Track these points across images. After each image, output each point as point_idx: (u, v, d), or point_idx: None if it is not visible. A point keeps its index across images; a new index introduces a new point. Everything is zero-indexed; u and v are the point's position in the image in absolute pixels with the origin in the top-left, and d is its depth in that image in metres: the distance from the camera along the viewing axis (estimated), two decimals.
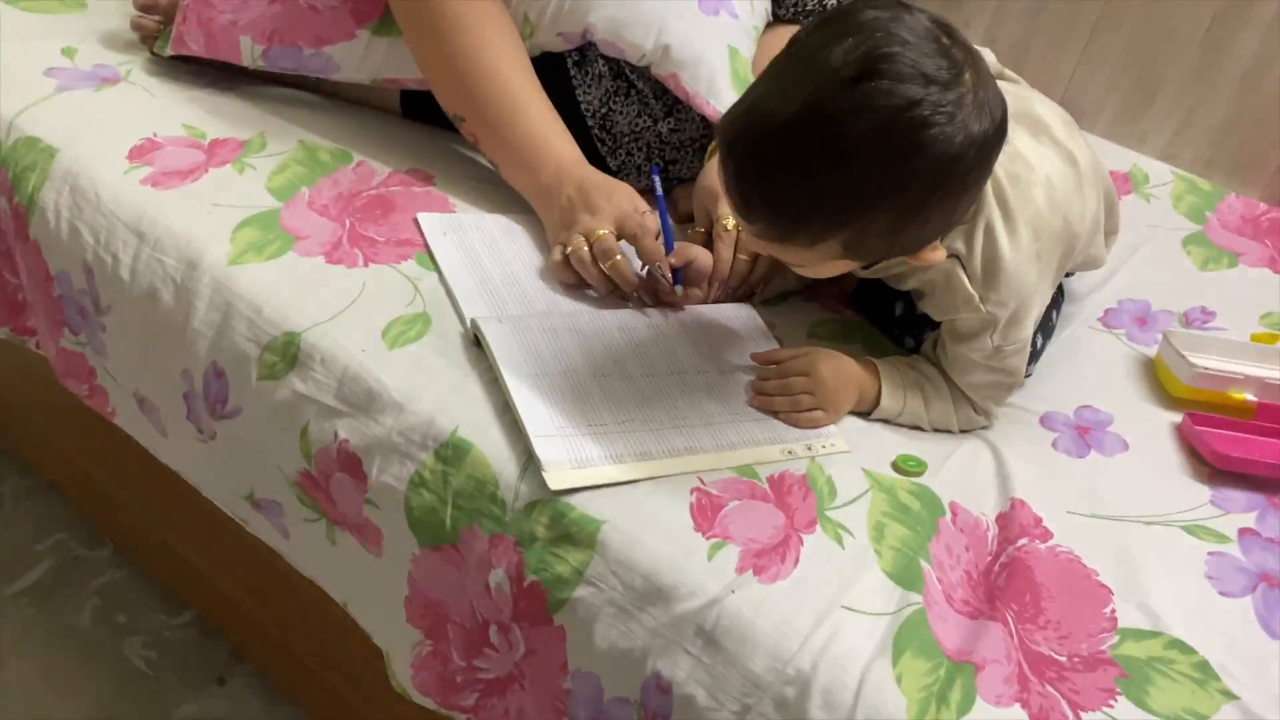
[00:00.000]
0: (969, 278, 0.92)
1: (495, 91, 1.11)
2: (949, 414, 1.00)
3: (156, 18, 1.28)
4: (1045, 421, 1.04)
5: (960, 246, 0.91)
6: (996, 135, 0.81)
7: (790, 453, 0.93)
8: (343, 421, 0.93)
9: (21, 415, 1.57)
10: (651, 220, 1.03)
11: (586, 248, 1.02)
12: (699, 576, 0.81)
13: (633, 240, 1.03)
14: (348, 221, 1.09)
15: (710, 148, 1.17)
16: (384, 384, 0.92)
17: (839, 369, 0.97)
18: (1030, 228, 0.92)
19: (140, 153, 1.12)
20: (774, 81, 0.80)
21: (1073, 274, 1.19)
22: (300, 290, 0.99)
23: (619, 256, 1.02)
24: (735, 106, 0.83)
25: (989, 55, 1.13)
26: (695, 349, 1.00)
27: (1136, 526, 0.92)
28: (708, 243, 1.08)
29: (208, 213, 1.06)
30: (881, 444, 0.96)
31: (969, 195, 0.84)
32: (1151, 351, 1.14)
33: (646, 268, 1.04)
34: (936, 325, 1.00)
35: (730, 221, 1.06)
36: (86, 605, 1.47)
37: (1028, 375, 1.07)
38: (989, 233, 0.91)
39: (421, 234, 1.07)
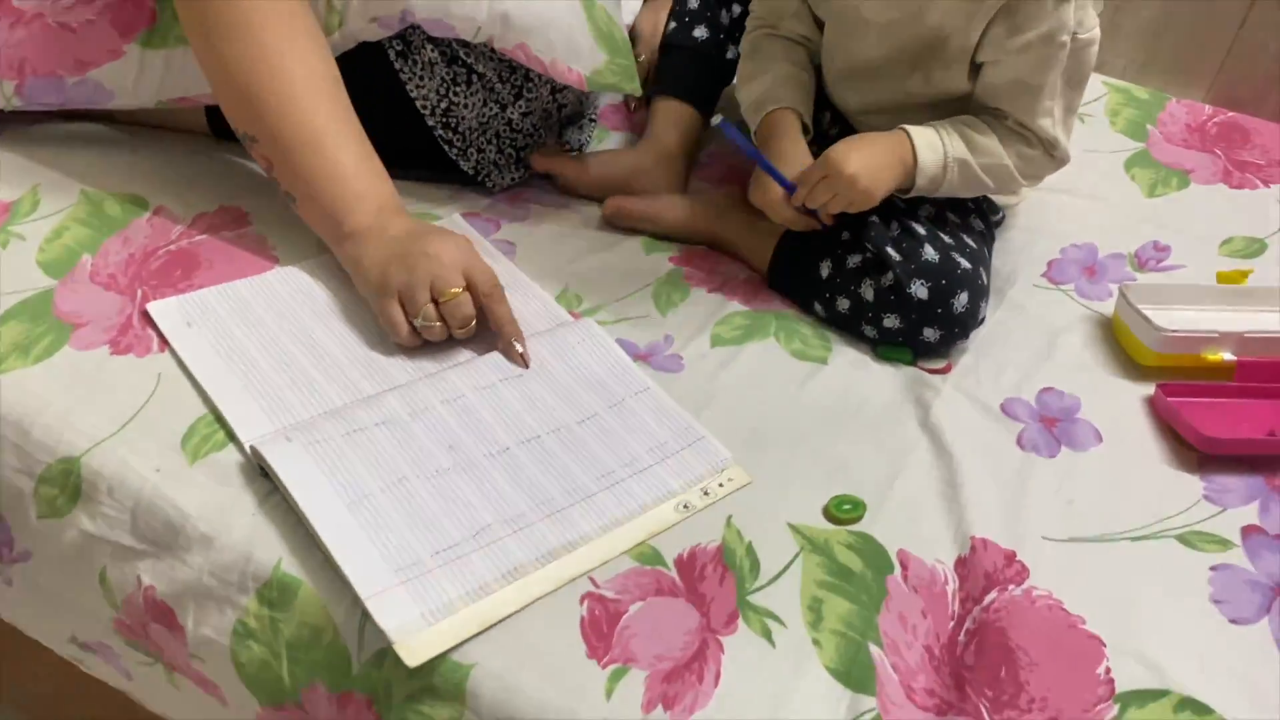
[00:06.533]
0: None
1: (291, 107, 0.89)
2: (997, 151, 0.90)
3: None
4: (1008, 411, 0.88)
5: None
6: None
7: (686, 507, 0.76)
8: (144, 564, 0.74)
9: None
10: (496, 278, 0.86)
11: (436, 315, 0.84)
12: None
13: (485, 301, 0.85)
14: (139, 292, 0.89)
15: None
16: (185, 513, 0.73)
17: (862, 153, 0.88)
18: None
19: None
20: None
21: (998, 208, 1.03)
22: (78, 398, 0.79)
23: (473, 324, 0.85)
24: None
25: None
26: (541, 400, 0.82)
27: (1124, 545, 0.77)
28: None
29: None
30: (808, 484, 0.80)
31: None
32: (1107, 308, 0.99)
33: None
34: (876, 274, 0.91)
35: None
36: None
37: (983, 320, 0.93)
38: None
39: (158, 332, 0.85)
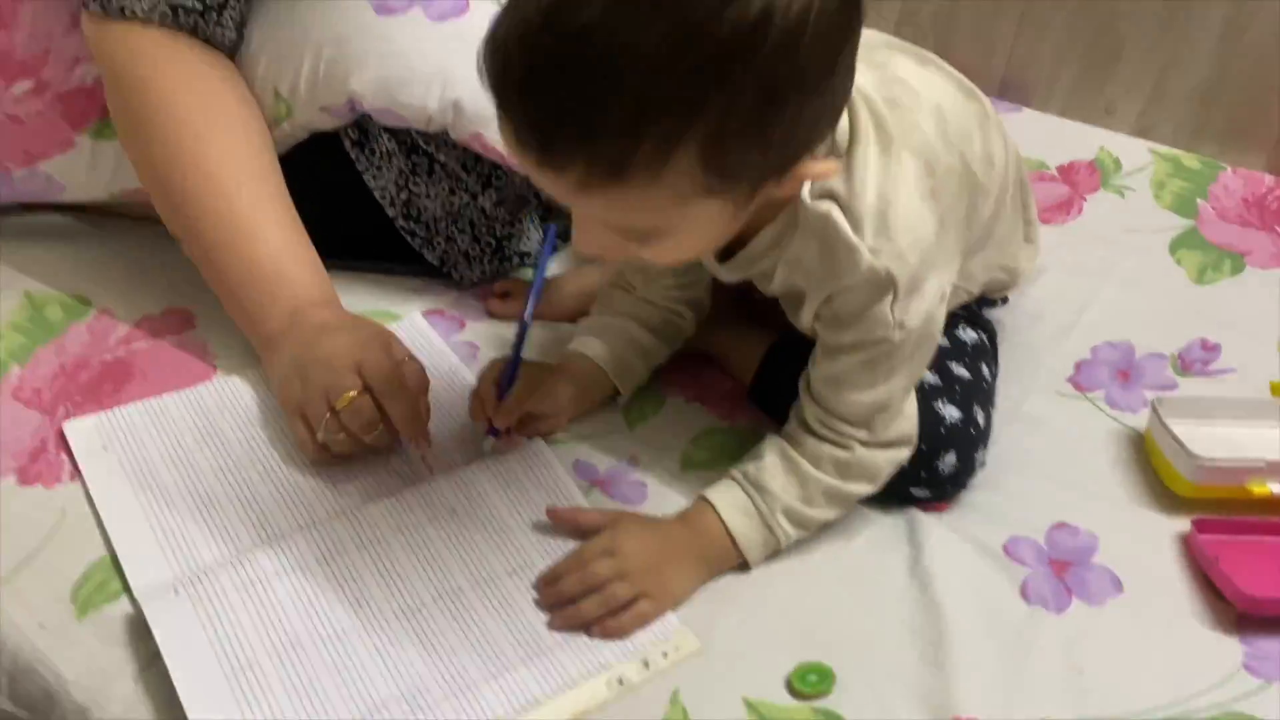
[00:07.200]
0: (851, 223, 0.65)
1: (213, 206, 0.84)
2: (806, 480, 0.73)
3: None
4: (1012, 552, 0.76)
5: (838, 186, 0.66)
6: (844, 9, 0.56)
7: (622, 681, 0.66)
8: None
9: None
10: (410, 370, 0.78)
11: (337, 425, 0.76)
12: None
13: (381, 400, 0.76)
14: (61, 410, 0.83)
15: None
16: (64, 679, 0.66)
17: (648, 539, 0.71)
18: (918, 158, 0.67)
19: None
20: None
21: (995, 301, 0.91)
22: None
23: (380, 427, 0.77)
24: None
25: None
26: (470, 545, 0.73)
27: None
28: None
29: None
30: (771, 647, 0.69)
31: (831, 83, 0.59)
32: (1140, 421, 0.87)
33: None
34: None
35: None
36: None
37: (981, 466, 0.80)
38: (867, 166, 0.66)
39: (72, 457, 0.79)
